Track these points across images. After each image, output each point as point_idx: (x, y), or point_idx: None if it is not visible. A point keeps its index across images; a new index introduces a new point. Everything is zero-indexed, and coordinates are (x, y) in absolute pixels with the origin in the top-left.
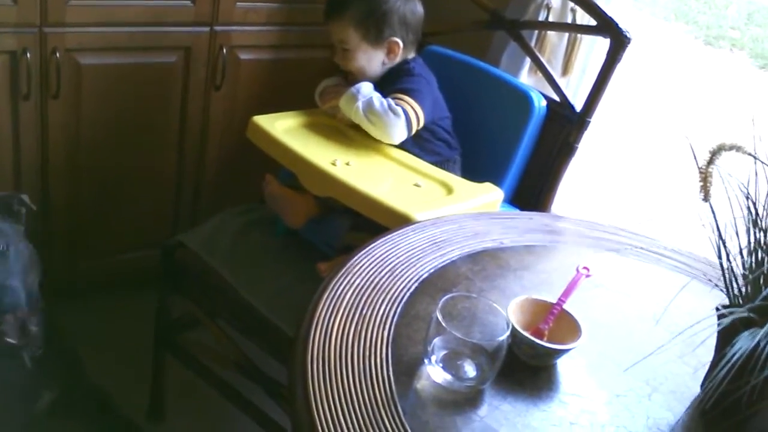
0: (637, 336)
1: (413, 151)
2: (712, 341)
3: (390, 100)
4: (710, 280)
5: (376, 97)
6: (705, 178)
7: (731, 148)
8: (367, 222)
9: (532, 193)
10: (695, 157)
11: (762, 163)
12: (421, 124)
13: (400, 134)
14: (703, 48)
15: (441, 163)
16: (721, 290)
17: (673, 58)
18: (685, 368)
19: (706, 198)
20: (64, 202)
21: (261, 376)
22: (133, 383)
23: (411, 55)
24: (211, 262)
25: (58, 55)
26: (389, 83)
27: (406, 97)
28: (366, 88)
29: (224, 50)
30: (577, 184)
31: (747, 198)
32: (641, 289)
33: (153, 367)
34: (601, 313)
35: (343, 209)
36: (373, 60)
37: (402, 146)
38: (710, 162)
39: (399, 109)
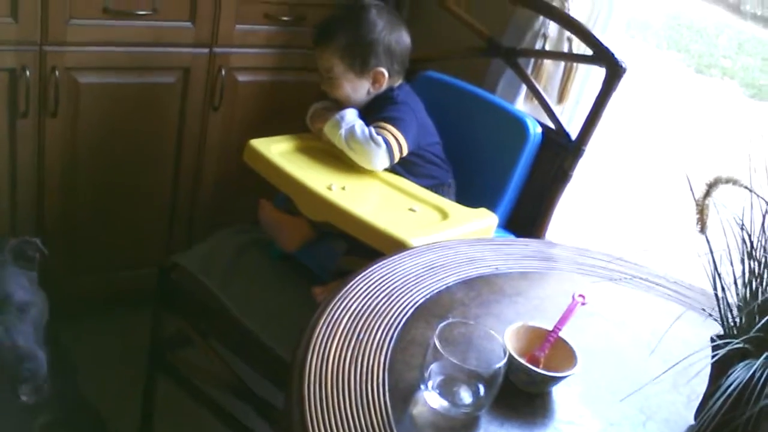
0: (631, 365)
1: (405, 176)
2: (706, 371)
3: (372, 128)
4: (704, 310)
5: (359, 125)
6: (701, 210)
7: (728, 181)
8: (361, 246)
9: (527, 219)
10: (692, 190)
11: (757, 196)
12: (405, 152)
13: (381, 162)
14: (694, 76)
15: (435, 187)
16: (716, 320)
17: (665, 85)
18: (679, 397)
19: (702, 230)
20: (60, 219)
21: (253, 397)
22: (125, 401)
23: (397, 82)
24: (207, 283)
25: (57, 73)
26: (373, 111)
27: (389, 126)
28: (350, 116)
29: (223, 72)
30: (572, 211)
31: (742, 229)
32: (636, 318)
33: (145, 386)
34: (596, 341)
35: (337, 233)
36: (359, 89)
37: (393, 171)
38: (707, 195)
39: (380, 138)
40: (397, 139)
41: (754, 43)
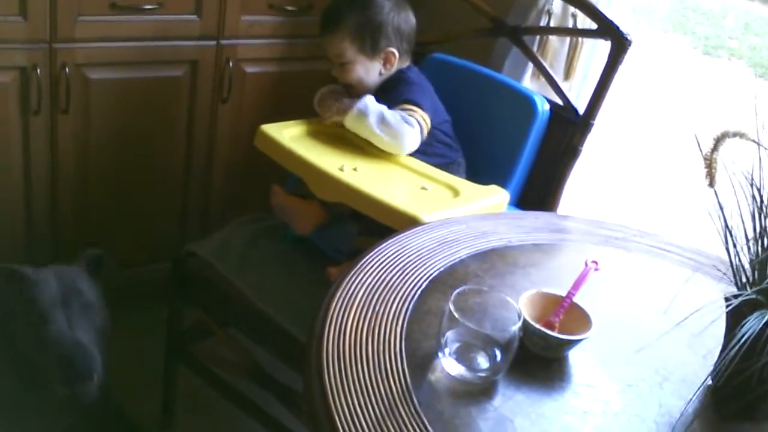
0: (646, 328)
1: (416, 155)
2: (720, 332)
3: (400, 111)
4: (718, 270)
5: (387, 110)
6: (710, 164)
7: (735, 134)
8: (375, 226)
9: (538, 195)
10: (699, 145)
11: (766, 149)
12: (428, 131)
13: (413, 144)
14: (701, 58)
15: (445, 165)
16: (729, 280)
17: (672, 67)
18: (694, 357)
19: (711, 184)
20: (74, 215)
21: (273, 383)
22: (145, 393)
23: (406, 63)
24: (223, 271)
25: (67, 70)
26: (387, 93)
27: (414, 107)
28: (373, 103)
29: (230, 63)
30: (582, 185)
31: (751, 185)
32: (649, 284)
33: (164, 377)
34: (609, 306)
35: (350, 215)
36: (371, 71)
37: None
38: (714, 148)
39: (413, 120)
40: (424, 119)
41: (761, 22)
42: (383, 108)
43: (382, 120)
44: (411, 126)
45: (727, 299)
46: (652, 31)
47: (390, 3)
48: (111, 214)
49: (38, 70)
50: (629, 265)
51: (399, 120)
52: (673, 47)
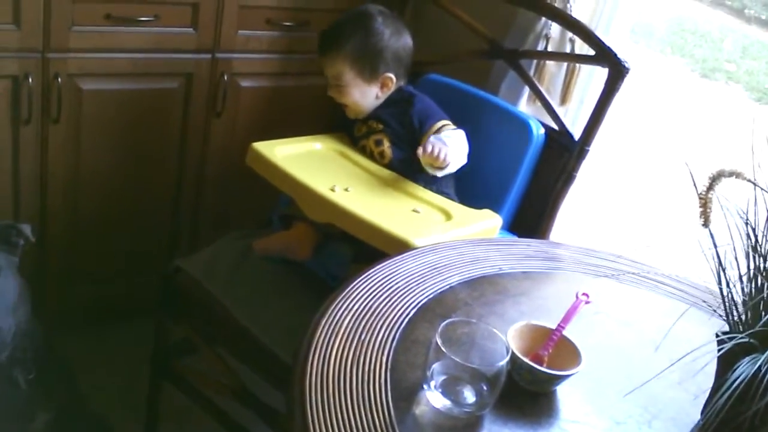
0: (636, 363)
1: (409, 176)
2: (712, 368)
3: (441, 134)
4: (710, 306)
5: (447, 141)
6: (705, 203)
7: (731, 174)
8: (369, 251)
9: (531, 220)
10: (694, 183)
11: (761, 189)
12: None
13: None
14: (699, 81)
15: (438, 188)
16: (721, 317)
17: (669, 90)
18: (684, 395)
19: (705, 224)
20: (63, 226)
21: (258, 403)
22: (129, 409)
23: (402, 83)
24: (210, 288)
25: (59, 80)
26: (392, 110)
27: (442, 122)
28: (447, 149)
29: (225, 77)
30: (576, 211)
31: (746, 224)
32: (640, 317)
33: (149, 393)
34: (600, 339)
35: (341, 235)
36: (367, 95)
37: (393, 167)
38: (710, 188)
39: (458, 131)
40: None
41: (759, 47)
42: (435, 143)
43: (455, 151)
44: (460, 134)
45: (719, 340)
46: (651, 52)
47: (390, 29)
48: (101, 224)
49: (30, 79)
50: (621, 296)
51: (456, 139)
52: (671, 69)
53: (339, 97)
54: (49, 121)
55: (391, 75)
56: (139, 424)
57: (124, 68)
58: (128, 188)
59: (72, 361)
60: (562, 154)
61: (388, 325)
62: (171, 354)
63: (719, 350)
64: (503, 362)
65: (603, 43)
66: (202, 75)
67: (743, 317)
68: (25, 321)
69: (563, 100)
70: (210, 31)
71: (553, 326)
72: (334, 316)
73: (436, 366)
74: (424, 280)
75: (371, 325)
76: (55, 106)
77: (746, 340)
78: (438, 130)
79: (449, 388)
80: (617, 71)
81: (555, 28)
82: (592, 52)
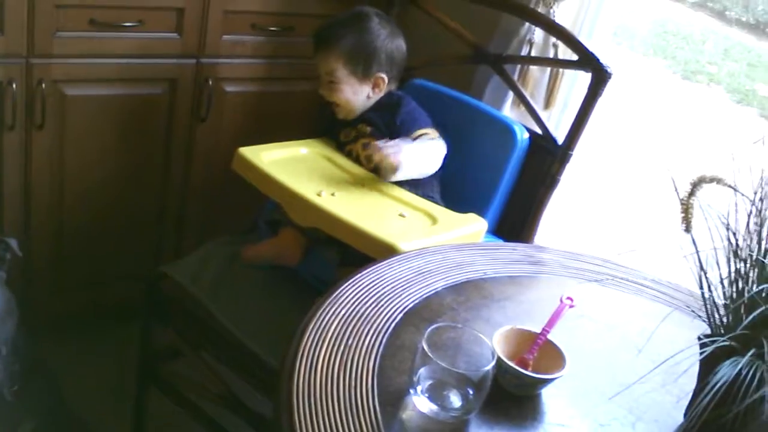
0: (620, 366)
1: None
2: (695, 370)
3: (419, 139)
4: (693, 311)
5: (411, 149)
6: (686, 209)
7: (711, 180)
8: (356, 255)
9: (516, 224)
10: (676, 189)
11: (741, 194)
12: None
13: (443, 150)
14: (681, 82)
15: (424, 192)
16: (703, 320)
17: (652, 92)
18: (668, 397)
19: (687, 229)
20: (47, 232)
21: (245, 409)
22: (115, 415)
23: (393, 87)
24: (196, 294)
25: (44, 85)
26: (381, 113)
27: (424, 130)
28: (403, 156)
29: (210, 82)
30: (559, 215)
31: (727, 229)
32: (624, 320)
33: (135, 399)
34: (584, 343)
35: (327, 239)
36: (359, 93)
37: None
38: (691, 194)
39: (434, 141)
40: (433, 131)
41: (740, 49)
42: (404, 144)
43: (418, 161)
44: (436, 142)
45: (701, 343)
46: (634, 54)
47: (386, 30)
48: (85, 231)
49: (14, 85)
50: (605, 300)
51: (425, 148)
52: (654, 71)
53: (330, 95)
54: (33, 127)
55: (384, 75)
56: (125, 430)
57: (108, 74)
58: (113, 193)
59: (58, 369)
60: (546, 158)
61: (375, 331)
62: (157, 360)
63: (701, 353)
64: (489, 367)
65: (586, 48)
66: (186, 80)
67: (724, 320)
68: (12, 334)
69: (547, 104)
70: (194, 36)
71: (538, 330)
72: (321, 322)
73: (422, 371)
74: (410, 285)
75: (358, 330)
76: (40, 112)
77: (727, 343)
78: (417, 138)
79: (436, 393)
80: (600, 76)
81: (539, 33)
82: (575, 57)
